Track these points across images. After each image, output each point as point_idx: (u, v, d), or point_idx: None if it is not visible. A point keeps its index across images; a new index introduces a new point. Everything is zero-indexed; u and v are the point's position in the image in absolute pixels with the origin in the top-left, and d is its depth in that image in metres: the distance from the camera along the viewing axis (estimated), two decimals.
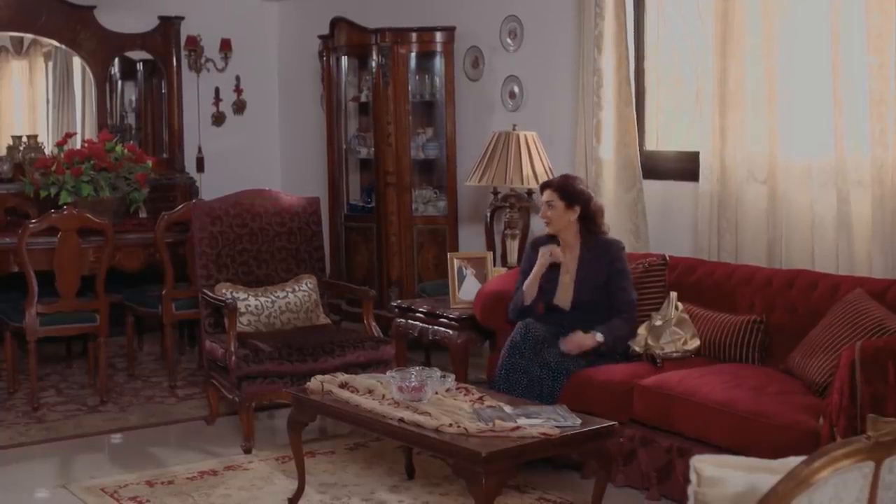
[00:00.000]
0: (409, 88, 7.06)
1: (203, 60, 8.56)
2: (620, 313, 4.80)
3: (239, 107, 8.79)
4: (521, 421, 3.82)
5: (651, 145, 6.02)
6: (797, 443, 3.71)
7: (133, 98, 8.66)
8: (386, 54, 6.97)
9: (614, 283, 4.83)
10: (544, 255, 4.87)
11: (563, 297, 4.90)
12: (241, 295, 5.41)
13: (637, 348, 4.81)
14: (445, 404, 4.02)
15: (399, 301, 6.09)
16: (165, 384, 6.38)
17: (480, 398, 4.12)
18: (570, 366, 4.66)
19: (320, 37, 7.65)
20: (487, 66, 6.96)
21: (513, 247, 6.09)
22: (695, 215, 5.50)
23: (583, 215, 4.89)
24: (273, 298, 5.52)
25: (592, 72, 5.83)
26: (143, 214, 7.50)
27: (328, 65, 7.60)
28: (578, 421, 3.89)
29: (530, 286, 4.89)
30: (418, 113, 7.20)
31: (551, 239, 5.00)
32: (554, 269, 4.95)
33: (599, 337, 4.71)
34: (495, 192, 6.21)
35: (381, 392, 4.19)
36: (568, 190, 4.90)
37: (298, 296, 5.58)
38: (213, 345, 5.35)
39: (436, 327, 5.64)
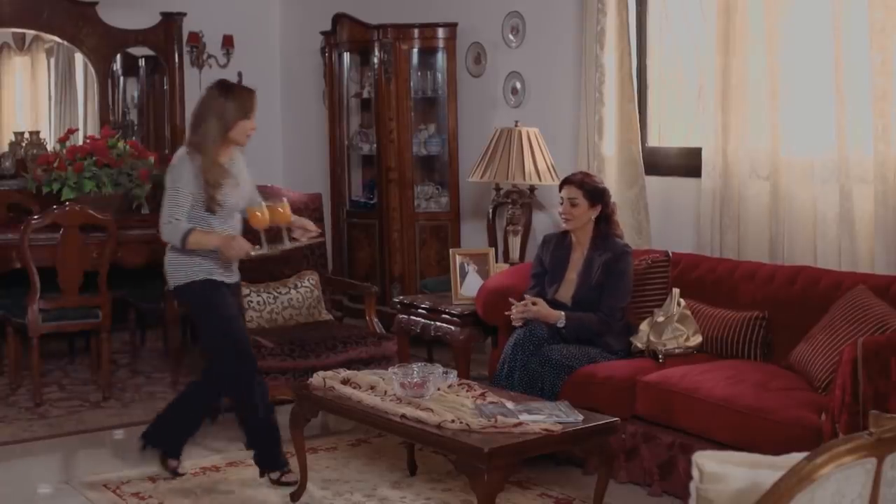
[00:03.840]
0: (411, 85, 7.06)
1: (205, 56, 8.55)
2: (598, 311, 4.82)
3: None
4: (524, 417, 3.82)
5: (653, 141, 6.02)
6: (799, 439, 3.71)
7: (135, 94, 8.66)
8: (388, 50, 6.97)
9: (607, 284, 4.84)
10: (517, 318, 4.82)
11: (566, 293, 4.93)
12: (243, 291, 5.41)
13: (639, 344, 4.81)
14: (447, 400, 4.03)
15: (401, 297, 6.10)
16: (168, 380, 6.38)
17: (482, 394, 4.12)
18: (572, 362, 4.67)
19: (322, 33, 7.65)
20: (489, 62, 6.95)
21: (515, 243, 6.09)
22: (697, 211, 5.50)
23: (600, 215, 4.93)
24: (275, 294, 5.52)
25: (595, 68, 5.83)
26: (145, 210, 7.50)
27: (330, 61, 7.60)
28: (580, 417, 3.90)
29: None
30: (420, 109, 7.20)
31: (564, 236, 5.02)
32: (562, 264, 4.96)
33: (560, 323, 4.76)
34: (497, 189, 6.21)
35: (383, 388, 4.20)
36: (592, 188, 4.92)
37: (301, 292, 5.58)
38: None
39: (438, 323, 5.64)
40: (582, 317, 4.80)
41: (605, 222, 4.94)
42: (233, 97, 4.49)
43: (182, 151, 4.57)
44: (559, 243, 5.04)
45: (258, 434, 4.60)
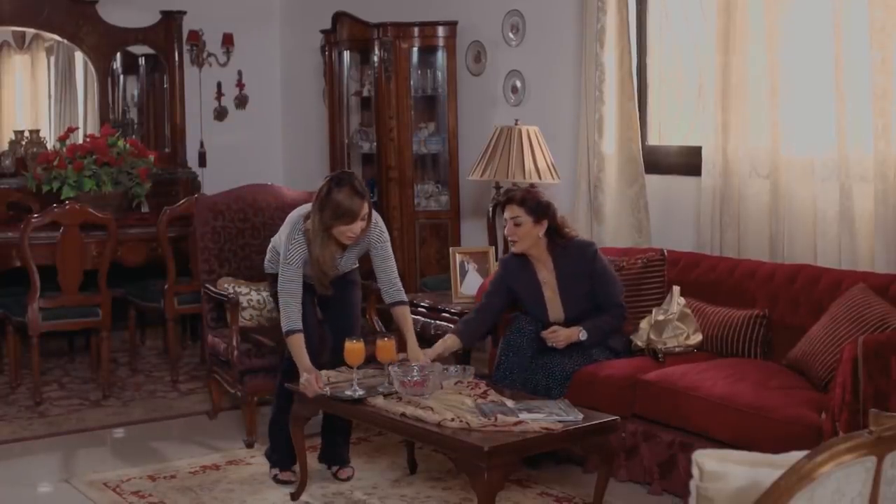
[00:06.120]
0: (411, 83, 7.05)
1: (205, 55, 8.55)
2: (608, 311, 4.74)
3: (241, 101, 8.79)
4: (524, 415, 3.82)
5: (653, 140, 6.01)
6: (799, 437, 3.71)
7: (135, 93, 8.65)
8: (388, 49, 6.97)
9: (598, 287, 4.74)
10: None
11: (555, 313, 4.78)
12: (243, 289, 5.41)
13: (639, 343, 4.80)
14: (448, 399, 4.03)
15: None
16: (168, 379, 6.39)
17: (483, 392, 4.12)
18: (575, 368, 4.63)
19: (322, 31, 7.65)
20: (489, 60, 6.95)
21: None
22: (697, 210, 5.50)
23: (549, 228, 4.72)
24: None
25: (595, 66, 5.83)
26: (145, 209, 7.50)
27: (330, 59, 7.60)
28: (580, 415, 3.90)
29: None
30: (420, 107, 7.19)
31: (522, 259, 4.80)
32: (535, 288, 4.79)
33: (583, 335, 4.65)
34: (497, 187, 6.20)
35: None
36: (534, 204, 4.68)
37: None
38: (216, 339, 5.36)
39: (438, 322, 5.65)
40: (597, 322, 4.70)
41: (557, 235, 4.74)
42: (338, 199, 4.31)
43: (298, 219, 4.48)
44: (522, 268, 4.80)
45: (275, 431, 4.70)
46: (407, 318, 4.59)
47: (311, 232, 4.40)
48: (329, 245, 4.44)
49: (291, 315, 4.41)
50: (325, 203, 4.34)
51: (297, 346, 4.40)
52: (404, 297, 4.64)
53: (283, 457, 4.66)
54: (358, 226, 4.38)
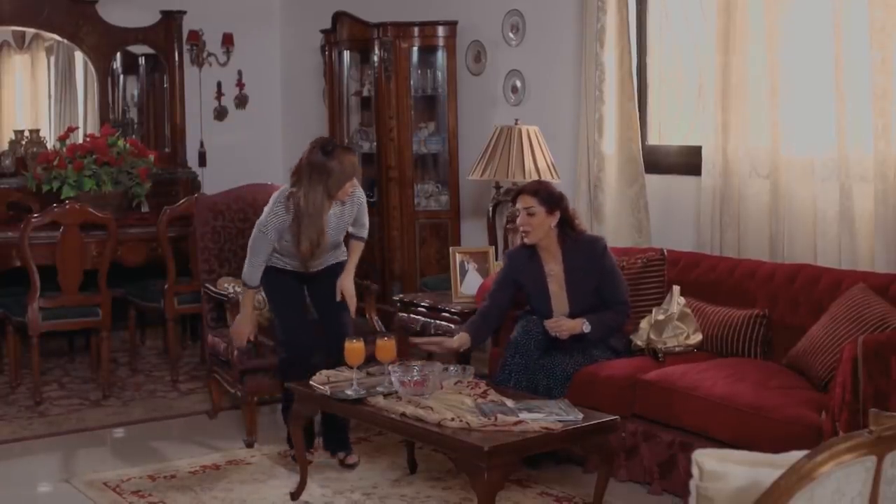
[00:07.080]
0: (412, 83, 7.05)
1: (205, 55, 8.55)
2: (612, 308, 4.75)
3: (241, 101, 8.78)
4: (524, 415, 3.82)
5: (653, 140, 6.02)
6: (799, 437, 3.71)
7: (135, 92, 8.65)
8: (388, 48, 6.97)
9: (605, 284, 4.75)
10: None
11: (560, 307, 4.78)
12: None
13: (639, 343, 4.80)
14: (448, 399, 4.03)
15: (401, 295, 6.10)
16: (168, 378, 6.38)
17: (484, 392, 4.12)
18: (577, 368, 4.63)
19: (322, 31, 7.65)
20: (489, 60, 6.95)
21: (515, 241, 6.08)
22: (697, 210, 5.50)
23: (560, 220, 4.75)
24: None
25: (595, 66, 5.83)
26: (145, 209, 7.50)
27: (330, 59, 7.60)
28: (580, 415, 3.90)
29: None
30: (420, 107, 7.19)
31: (530, 252, 4.82)
32: (540, 281, 4.81)
33: (587, 328, 4.66)
34: (497, 187, 6.21)
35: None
36: (547, 195, 4.72)
37: None
38: (216, 339, 5.36)
39: (438, 322, 5.65)
40: (602, 318, 4.71)
41: (568, 227, 4.76)
42: (338, 164, 4.54)
43: (280, 198, 4.65)
44: (528, 260, 4.82)
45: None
46: (357, 250, 4.91)
47: (311, 206, 4.55)
48: (327, 208, 4.65)
49: (255, 273, 4.74)
50: (324, 173, 4.54)
51: (247, 299, 4.86)
52: (365, 235, 4.92)
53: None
54: (354, 179, 4.66)
